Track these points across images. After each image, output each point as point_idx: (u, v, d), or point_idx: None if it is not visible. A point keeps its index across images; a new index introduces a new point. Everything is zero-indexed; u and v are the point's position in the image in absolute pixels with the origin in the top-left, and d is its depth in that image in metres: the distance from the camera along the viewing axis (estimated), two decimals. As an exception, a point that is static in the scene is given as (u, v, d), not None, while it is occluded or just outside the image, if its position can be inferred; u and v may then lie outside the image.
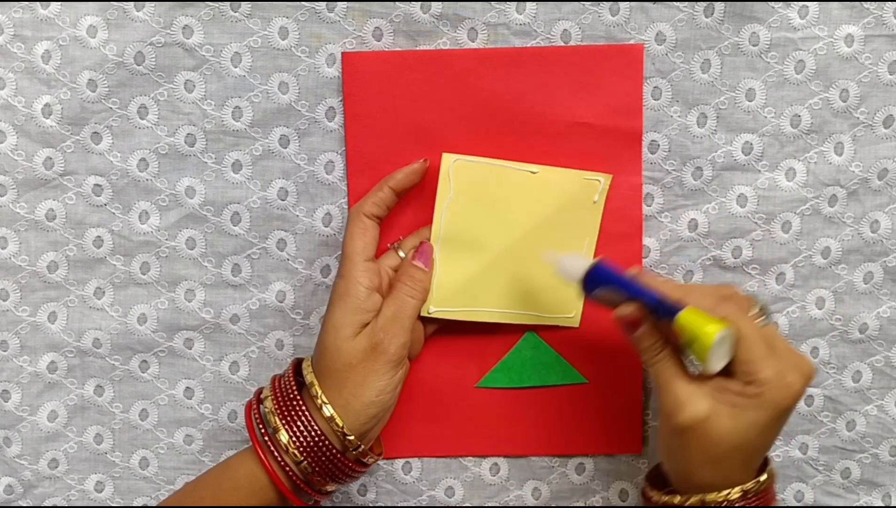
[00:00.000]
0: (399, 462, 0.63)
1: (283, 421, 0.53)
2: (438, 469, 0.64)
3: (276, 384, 0.56)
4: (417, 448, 0.63)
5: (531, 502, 0.64)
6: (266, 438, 0.54)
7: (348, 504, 0.64)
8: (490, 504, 0.64)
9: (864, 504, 0.64)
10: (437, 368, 0.62)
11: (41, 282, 0.61)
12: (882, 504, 0.64)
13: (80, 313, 0.61)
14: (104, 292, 0.61)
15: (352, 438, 0.54)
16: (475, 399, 0.62)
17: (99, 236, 0.61)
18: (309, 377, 0.55)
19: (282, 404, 0.54)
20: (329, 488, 0.55)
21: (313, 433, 0.53)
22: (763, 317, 0.52)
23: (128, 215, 0.60)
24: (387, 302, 0.56)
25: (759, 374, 0.49)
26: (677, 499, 0.52)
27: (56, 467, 0.63)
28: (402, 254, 0.58)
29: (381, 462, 0.63)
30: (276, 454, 0.53)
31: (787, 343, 0.51)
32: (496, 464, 0.64)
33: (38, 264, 0.61)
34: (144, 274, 0.61)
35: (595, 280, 0.54)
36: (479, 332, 0.61)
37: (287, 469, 0.53)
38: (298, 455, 0.53)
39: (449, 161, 0.58)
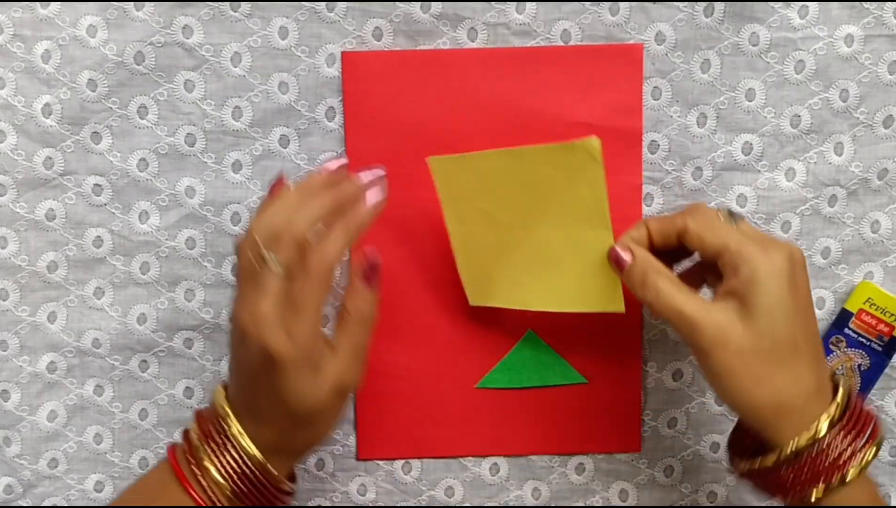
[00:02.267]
0: (399, 462, 0.63)
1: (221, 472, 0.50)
2: (438, 469, 0.64)
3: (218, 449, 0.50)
4: (417, 449, 0.63)
5: (531, 502, 0.64)
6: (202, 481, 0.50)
7: (348, 504, 0.64)
8: (490, 504, 0.64)
9: (864, 504, 0.64)
10: (437, 368, 0.62)
11: (41, 282, 0.61)
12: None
13: (80, 313, 0.61)
14: (104, 292, 0.61)
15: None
16: (475, 399, 0.62)
17: (99, 236, 0.61)
18: (251, 451, 0.49)
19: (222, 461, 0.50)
20: None
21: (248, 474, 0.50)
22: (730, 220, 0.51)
23: (128, 215, 0.60)
24: (340, 335, 0.50)
25: (730, 244, 0.48)
26: (758, 462, 0.49)
27: (56, 467, 0.63)
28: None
29: (380, 462, 0.63)
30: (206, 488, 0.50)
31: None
32: (496, 464, 0.64)
33: (37, 264, 0.61)
34: (144, 274, 0.61)
35: None
36: (479, 332, 0.61)
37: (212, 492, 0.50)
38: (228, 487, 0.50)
39: (434, 164, 0.56)
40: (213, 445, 0.50)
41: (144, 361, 0.62)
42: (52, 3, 0.58)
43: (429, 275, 0.61)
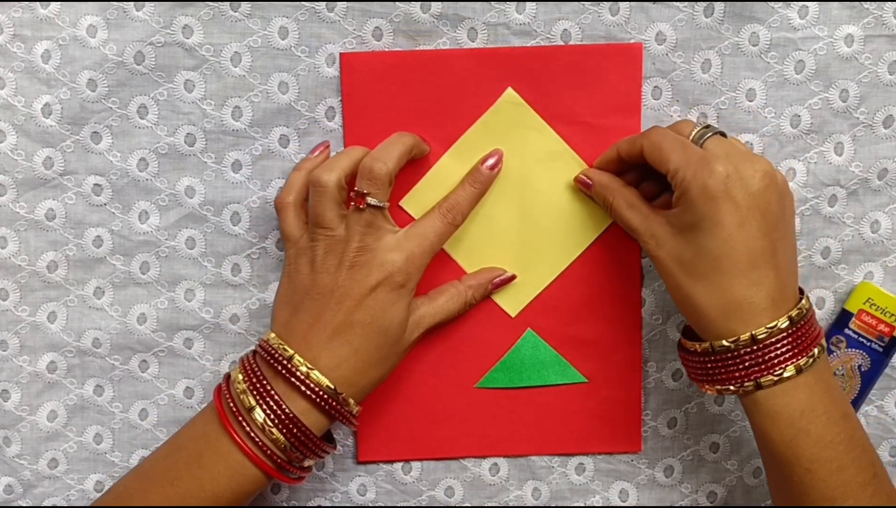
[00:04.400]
0: (399, 462, 0.63)
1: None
2: (438, 469, 0.64)
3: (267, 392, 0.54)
4: (417, 449, 0.63)
5: (531, 502, 0.64)
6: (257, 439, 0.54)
7: (348, 504, 0.64)
8: (490, 504, 0.64)
9: (864, 505, 0.64)
10: (437, 368, 0.62)
11: (41, 282, 0.61)
12: (882, 504, 0.64)
13: (80, 313, 0.61)
14: (104, 291, 0.61)
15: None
16: (475, 399, 0.62)
17: (99, 236, 0.61)
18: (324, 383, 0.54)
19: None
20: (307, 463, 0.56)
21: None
22: (702, 133, 0.55)
23: (127, 215, 0.60)
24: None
25: (669, 165, 0.52)
26: (689, 345, 0.54)
27: (56, 467, 0.63)
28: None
29: (380, 463, 0.63)
30: (258, 440, 0.53)
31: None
32: (496, 464, 0.64)
33: (37, 264, 0.61)
34: (144, 274, 0.61)
35: None
36: (479, 332, 0.61)
37: (268, 450, 0.53)
38: (280, 436, 0.53)
39: (409, 204, 0.60)
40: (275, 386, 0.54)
41: (144, 361, 0.62)
42: (52, 3, 0.58)
43: (428, 275, 0.61)
